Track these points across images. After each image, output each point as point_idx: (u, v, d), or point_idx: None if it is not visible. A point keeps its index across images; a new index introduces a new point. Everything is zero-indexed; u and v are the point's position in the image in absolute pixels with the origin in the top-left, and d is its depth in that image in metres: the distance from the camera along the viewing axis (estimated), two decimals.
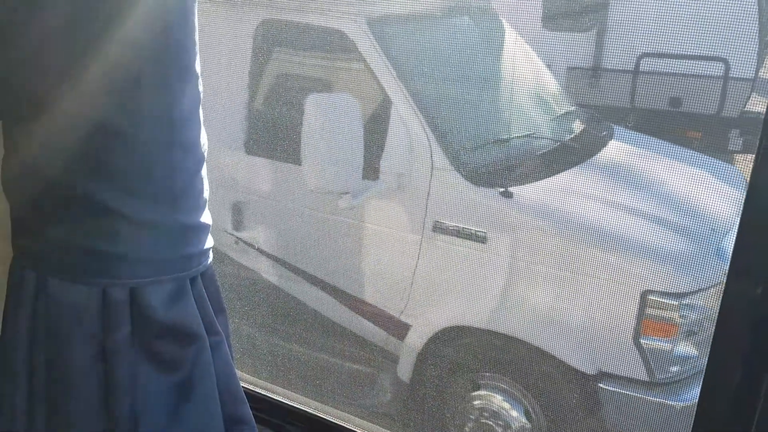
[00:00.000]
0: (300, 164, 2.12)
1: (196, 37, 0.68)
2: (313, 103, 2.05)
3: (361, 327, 2.27)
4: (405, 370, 2.21)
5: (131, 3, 0.58)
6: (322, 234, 2.30)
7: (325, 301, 2.31)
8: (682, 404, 1.97)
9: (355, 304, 2.26)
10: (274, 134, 2.34)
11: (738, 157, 4.30)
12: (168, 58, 0.62)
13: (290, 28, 2.37)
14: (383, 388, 2.28)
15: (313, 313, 2.34)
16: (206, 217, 0.77)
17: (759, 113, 3.92)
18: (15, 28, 0.62)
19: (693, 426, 0.92)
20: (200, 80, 0.71)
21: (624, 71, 4.03)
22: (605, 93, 4.23)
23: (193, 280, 0.72)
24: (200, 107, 0.73)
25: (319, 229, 2.30)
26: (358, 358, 2.30)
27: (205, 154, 0.76)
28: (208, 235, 0.77)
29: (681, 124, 3.96)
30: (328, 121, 2.03)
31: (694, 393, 2.01)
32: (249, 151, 2.37)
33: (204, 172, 0.76)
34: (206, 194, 0.76)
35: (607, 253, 1.98)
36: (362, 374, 2.31)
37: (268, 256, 2.39)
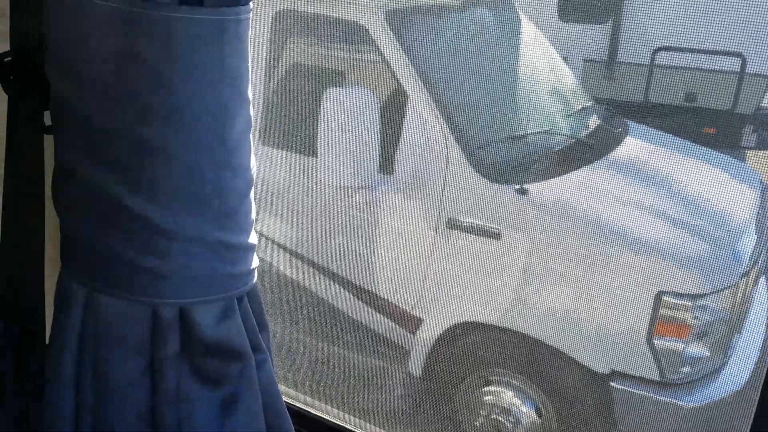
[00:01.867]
0: (315, 157, 2.12)
1: (249, 64, 0.68)
2: (330, 97, 2.04)
3: (372, 320, 2.28)
4: (416, 364, 2.22)
5: (188, 27, 0.58)
6: (337, 228, 2.30)
7: (337, 294, 2.31)
8: (692, 405, 1.97)
9: (368, 298, 2.27)
10: (288, 126, 2.34)
11: (750, 153, 4.29)
12: (223, 84, 0.63)
13: (306, 20, 2.36)
14: (393, 382, 2.30)
15: (325, 305, 2.35)
16: (253, 238, 0.78)
17: None
18: (75, 48, 0.63)
19: (751, 426, 0.91)
20: (251, 105, 0.72)
21: (639, 65, 4.00)
22: (620, 87, 4.21)
23: (239, 299, 0.73)
24: (251, 131, 0.74)
25: (334, 222, 2.30)
26: (369, 351, 2.32)
27: (254, 176, 0.76)
28: (254, 254, 0.78)
29: (696, 119, 3.94)
30: (345, 115, 2.02)
31: (704, 394, 2.01)
32: (264, 141, 2.37)
33: (252, 194, 0.76)
34: (254, 215, 0.77)
35: (623, 252, 1.98)
36: (374, 368, 2.32)
37: (282, 247, 2.40)
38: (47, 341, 0.75)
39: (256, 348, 0.73)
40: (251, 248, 0.74)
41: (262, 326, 0.79)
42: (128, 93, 0.60)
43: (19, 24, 0.67)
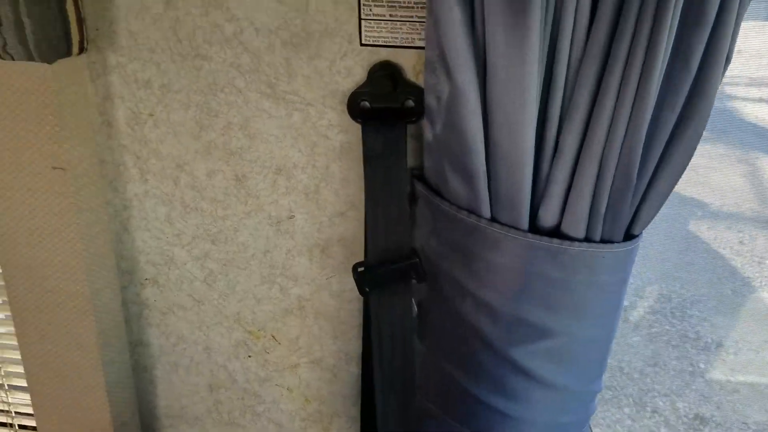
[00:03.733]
0: None
1: None
2: None
3: None
4: None
5: (613, 257, 0.64)
6: None
7: None
8: None
9: None
10: None
11: None
12: (625, 287, 0.70)
13: None
14: None
15: None
16: None
17: None
18: (502, 282, 0.66)
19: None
20: None
21: None
22: None
23: None
24: None
25: None
26: None
27: None
28: None
29: None
30: None
31: None
32: None
33: None
34: None
35: None
36: None
37: None
38: None
39: None
40: None
41: None
42: (558, 314, 0.65)
43: (380, 237, 0.67)
